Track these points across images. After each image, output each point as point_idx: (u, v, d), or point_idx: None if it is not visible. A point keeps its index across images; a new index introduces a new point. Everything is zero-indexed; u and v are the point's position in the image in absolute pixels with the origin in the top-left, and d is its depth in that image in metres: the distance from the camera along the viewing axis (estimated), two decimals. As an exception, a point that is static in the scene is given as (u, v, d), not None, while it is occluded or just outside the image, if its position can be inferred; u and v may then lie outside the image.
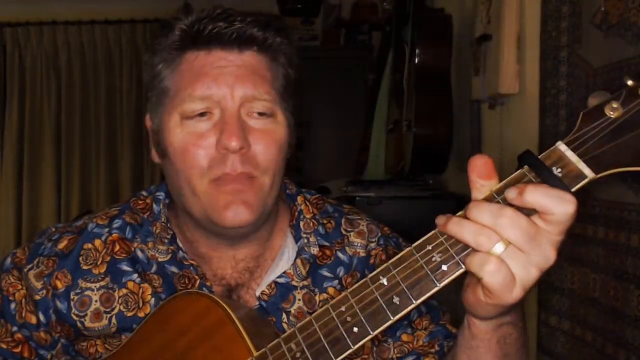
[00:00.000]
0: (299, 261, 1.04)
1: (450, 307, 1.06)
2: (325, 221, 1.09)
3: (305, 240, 1.06)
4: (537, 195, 0.68)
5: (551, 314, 1.94)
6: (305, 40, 4.36)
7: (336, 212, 1.11)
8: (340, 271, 1.05)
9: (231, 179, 0.94)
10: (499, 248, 0.69)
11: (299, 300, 1.03)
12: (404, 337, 1.05)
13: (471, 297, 0.75)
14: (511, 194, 0.70)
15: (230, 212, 0.94)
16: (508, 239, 0.69)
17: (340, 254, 1.06)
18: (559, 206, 0.67)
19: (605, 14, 1.63)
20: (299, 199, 1.10)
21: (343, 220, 1.10)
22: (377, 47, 4.00)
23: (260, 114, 0.97)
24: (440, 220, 0.73)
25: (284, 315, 1.02)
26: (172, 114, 0.97)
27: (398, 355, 1.04)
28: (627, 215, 1.55)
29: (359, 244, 1.07)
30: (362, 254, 1.07)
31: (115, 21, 4.62)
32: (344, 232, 1.09)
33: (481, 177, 0.73)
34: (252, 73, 0.96)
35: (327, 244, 1.07)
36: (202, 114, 0.95)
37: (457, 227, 0.71)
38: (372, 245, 1.08)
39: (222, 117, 0.95)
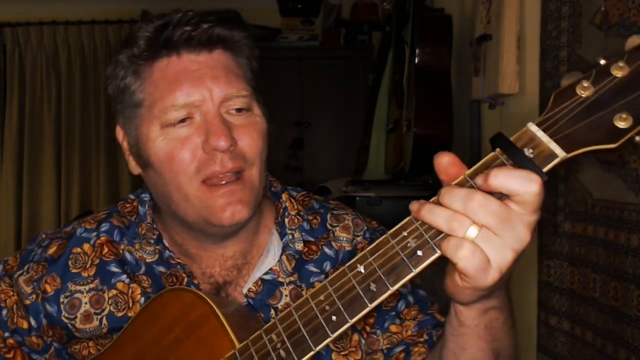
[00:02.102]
0: (284, 257, 1.05)
1: (439, 296, 1.05)
2: (310, 217, 1.10)
3: (290, 237, 1.07)
4: (500, 178, 0.67)
5: (551, 314, 1.94)
6: (305, 40, 4.35)
7: (322, 208, 1.12)
8: (327, 266, 1.06)
9: (221, 178, 0.95)
10: (472, 232, 0.68)
11: (286, 296, 1.04)
12: (393, 328, 1.05)
13: (450, 283, 0.75)
14: (479, 180, 0.69)
15: (228, 212, 0.96)
16: (480, 223, 0.68)
17: (326, 249, 1.07)
18: (523, 186, 0.67)
19: (605, 14, 1.63)
20: (284, 196, 1.11)
21: (329, 216, 1.11)
22: (377, 47, 4.00)
23: (239, 109, 0.98)
24: (413, 206, 0.73)
25: (272, 312, 1.03)
26: (153, 123, 0.97)
27: (387, 346, 1.05)
28: (627, 215, 1.55)
29: (344, 239, 1.08)
30: (348, 248, 1.07)
31: (115, 21, 4.61)
32: (329, 227, 1.09)
33: (449, 178, 0.72)
34: (226, 72, 0.98)
35: (312, 239, 1.07)
36: (183, 120, 0.96)
37: (429, 214, 0.71)
38: (359, 239, 1.09)
39: (205, 119, 0.96)
